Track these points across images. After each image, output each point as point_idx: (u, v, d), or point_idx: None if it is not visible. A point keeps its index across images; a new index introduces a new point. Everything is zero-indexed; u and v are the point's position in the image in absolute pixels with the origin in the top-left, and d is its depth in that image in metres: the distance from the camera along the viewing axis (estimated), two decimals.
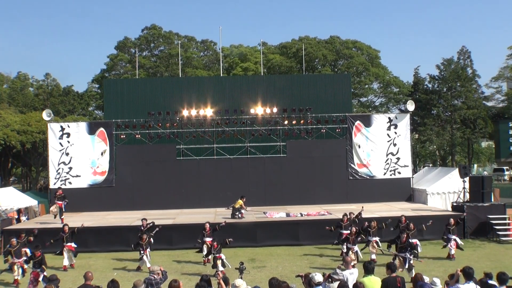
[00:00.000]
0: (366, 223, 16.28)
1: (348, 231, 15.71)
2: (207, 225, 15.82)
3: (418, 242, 15.52)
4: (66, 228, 15.98)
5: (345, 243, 15.54)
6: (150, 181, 24.24)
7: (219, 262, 14.06)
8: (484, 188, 20.27)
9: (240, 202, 20.47)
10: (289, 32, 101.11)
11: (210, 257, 15.10)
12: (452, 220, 16.45)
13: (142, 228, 16.11)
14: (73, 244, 15.96)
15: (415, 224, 15.77)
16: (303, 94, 27.44)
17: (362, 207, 18.24)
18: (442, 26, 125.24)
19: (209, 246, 15.13)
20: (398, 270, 13.00)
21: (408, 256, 13.36)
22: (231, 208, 20.52)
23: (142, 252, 15.20)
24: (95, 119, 46.55)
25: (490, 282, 8.00)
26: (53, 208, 19.46)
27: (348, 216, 16.79)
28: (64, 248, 15.71)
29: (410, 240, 14.03)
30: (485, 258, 16.09)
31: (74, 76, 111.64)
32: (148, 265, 14.83)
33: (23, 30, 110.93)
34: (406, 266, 13.33)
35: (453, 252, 15.99)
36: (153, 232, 16.05)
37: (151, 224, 16.38)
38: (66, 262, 15.64)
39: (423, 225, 16.25)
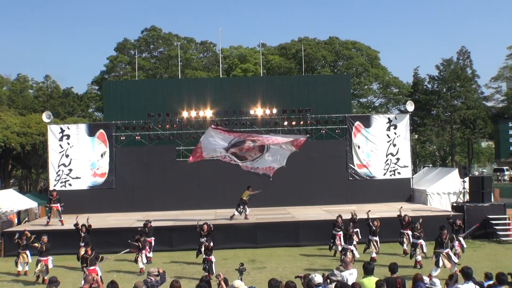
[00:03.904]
0: (370, 221, 16.19)
1: (341, 233, 15.96)
2: (205, 226, 15.62)
3: (423, 243, 15.56)
4: (84, 228, 16.02)
5: (339, 243, 15.74)
6: (150, 183, 24.23)
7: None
8: (484, 188, 20.27)
9: (248, 192, 20.02)
10: (288, 33, 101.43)
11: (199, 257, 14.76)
12: (458, 221, 16.54)
13: (146, 229, 16.18)
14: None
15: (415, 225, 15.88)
16: (302, 95, 27.43)
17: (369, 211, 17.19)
18: (442, 26, 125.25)
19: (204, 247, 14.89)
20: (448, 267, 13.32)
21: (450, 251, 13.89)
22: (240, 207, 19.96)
23: (137, 253, 15.21)
24: (95, 120, 46.51)
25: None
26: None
27: (342, 218, 16.69)
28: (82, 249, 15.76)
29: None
30: (485, 258, 16.13)
31: (74, 78, 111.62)
32: (141, 266, 14.91)
33: (22, 32, 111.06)
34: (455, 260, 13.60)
35: (458, 251, 16.09)
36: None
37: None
38: None
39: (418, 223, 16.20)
